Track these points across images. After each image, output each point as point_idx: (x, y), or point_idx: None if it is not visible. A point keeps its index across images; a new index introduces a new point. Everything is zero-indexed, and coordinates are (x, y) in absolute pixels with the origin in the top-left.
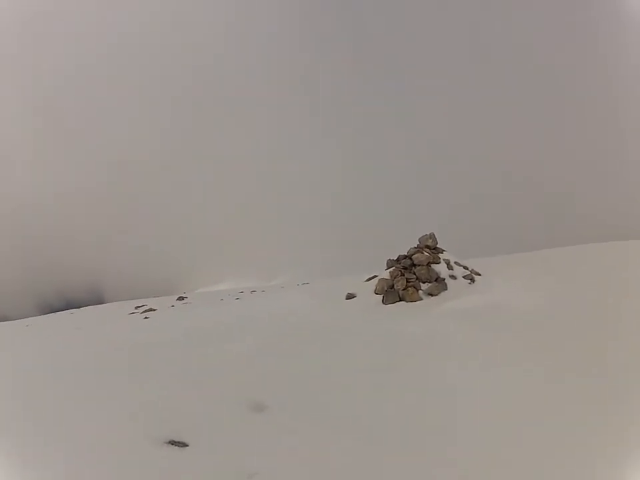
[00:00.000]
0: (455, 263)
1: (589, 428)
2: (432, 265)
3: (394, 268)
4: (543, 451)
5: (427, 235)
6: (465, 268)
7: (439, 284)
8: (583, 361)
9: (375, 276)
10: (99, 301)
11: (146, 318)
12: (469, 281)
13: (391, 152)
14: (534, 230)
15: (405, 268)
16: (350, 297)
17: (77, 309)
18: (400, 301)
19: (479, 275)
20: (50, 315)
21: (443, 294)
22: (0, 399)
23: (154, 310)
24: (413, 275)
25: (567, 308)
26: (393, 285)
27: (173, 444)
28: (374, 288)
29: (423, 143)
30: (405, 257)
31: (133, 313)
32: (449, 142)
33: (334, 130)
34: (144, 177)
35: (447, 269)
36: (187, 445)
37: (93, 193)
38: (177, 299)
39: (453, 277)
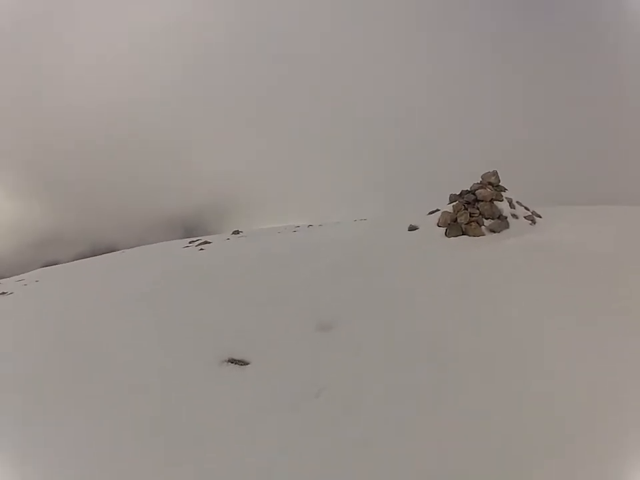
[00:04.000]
0: (517, 202)
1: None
2: (495, 202)
3: (457, 202)
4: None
5: (490, 172)
6: (527, 209)
7: (501, 221)
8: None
9: (437, 210)
10: None
11: (201, 250)
12: (530, 221)
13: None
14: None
15: (468, 203)
16: (412, 228)
17: (128, 249)
18: (463, 234)
19: (540, 217)
20: (100, 256)
21: (505, 232)
22: (68, 325)
23: (209, 243)
24: (476, 210)
25: (634, 253)
26: (456, 219)
27: (233, 362)
28: (436, 221)
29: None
30: (468, 191)
31: (186, 247)
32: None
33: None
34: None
35: (509, 208)
36: (248, 364)
37: None
38: (232, 233)
39: (515, 216)
